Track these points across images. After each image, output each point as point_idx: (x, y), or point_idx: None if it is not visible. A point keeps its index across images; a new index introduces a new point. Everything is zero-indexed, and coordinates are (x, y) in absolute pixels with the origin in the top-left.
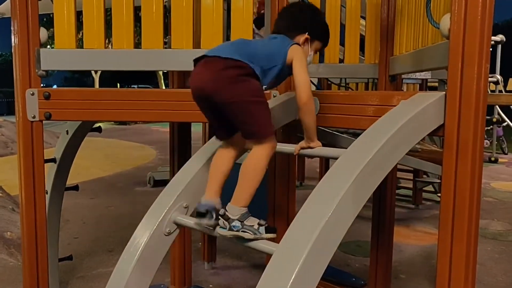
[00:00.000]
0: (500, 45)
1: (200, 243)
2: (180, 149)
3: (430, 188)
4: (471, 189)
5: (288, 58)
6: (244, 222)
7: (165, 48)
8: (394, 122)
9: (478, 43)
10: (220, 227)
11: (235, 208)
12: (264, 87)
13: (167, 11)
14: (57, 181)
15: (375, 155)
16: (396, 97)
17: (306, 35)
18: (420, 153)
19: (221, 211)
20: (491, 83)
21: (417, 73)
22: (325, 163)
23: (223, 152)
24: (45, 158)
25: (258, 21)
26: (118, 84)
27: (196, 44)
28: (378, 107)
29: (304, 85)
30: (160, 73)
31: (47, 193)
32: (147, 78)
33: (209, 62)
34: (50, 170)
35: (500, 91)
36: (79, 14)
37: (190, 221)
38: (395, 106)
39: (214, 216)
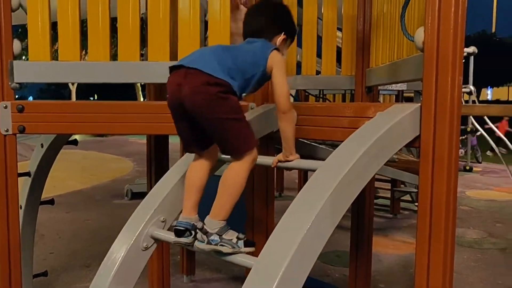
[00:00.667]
0: (472, 57)
1: (178, 256)
2: (157, 161)
3: (407, 197)
4: (447, 198)
5: (268, 66)
6: (223, 235)
7: (142, 60)
8: (371, 134)
9: (451, 55)
10: (198, 240)
11: (214, 222)
12: (244, 94)
13: (144, 23)
14: (32, 195)
15: (353, 167)
16: (372, 109)
17: (283, 36)
18: (397, 163)
19: (199, 225)
20: (465, 94)
21: (393, 85)
22: (304, 174)
23: (197, 166)
24: (19, 171)
25: None
26: (96, 96)
27: (173, 57)
28: (355, 118)
29: (285, 95)
30: (138, 84)
31: (21, 208)
32: (125, 89)
33: (190, 75)
34: (24, 184)
35: (474, 102)
36: (54, 25)
37: (168, 236)
38: (371, 117)
39: (193, 233)
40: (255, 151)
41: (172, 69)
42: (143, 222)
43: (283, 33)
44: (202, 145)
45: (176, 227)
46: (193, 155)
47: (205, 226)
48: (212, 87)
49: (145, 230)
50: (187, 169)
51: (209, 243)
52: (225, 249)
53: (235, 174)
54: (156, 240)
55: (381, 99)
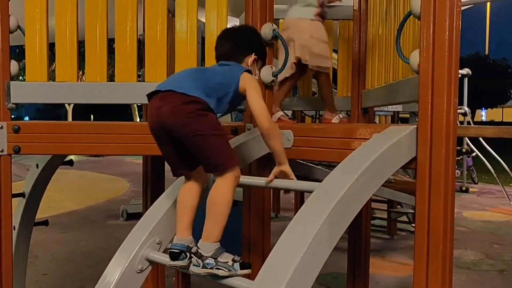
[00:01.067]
0: (466, 78)
1: (174, 278)
2: (153, 181)
3: (404, 218)
4: (444, 220)
5: (240, 87)
6: (218, 258)
7: (139, 81)
8: (368, 156)
9: (446, 77)
10: (193, 264)
11: (207, 244)
12: (218, 114)
13: (141, 44)
14: (26, 216)
15: (350, 188)
16: (369, 130)
17: (254, 56)
18: (393, 184)
19: (194, 249)
20: (460, 115)
21: (389, 106)
22: (301, 195)
23: (187, 188)
24: (14, 192)
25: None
26: (92, 116)
27: None
28: (351, 140)
29: (263, 113)
30: (135, 105)
31: (14, 229)
32: (122, 109)
33: (166, 97)
34: (18, 205)
35: (468, 123)
36: (52, 46)
37: (163, 258)
38: (368, 139)
39: (188, 255)
40: (237, 168)
41: (150, 96)
42: (138, 244)
43: (253, 53)
44: (189, 166)
45: (171, 250)
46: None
47: (199, 250)
48: (190, 105)
49: (140, 253)
50: (179, 192)
51: (204, 266)
52: (221, 272)
53: (220, 194)
54: (151, 262)
55: (377, 120)
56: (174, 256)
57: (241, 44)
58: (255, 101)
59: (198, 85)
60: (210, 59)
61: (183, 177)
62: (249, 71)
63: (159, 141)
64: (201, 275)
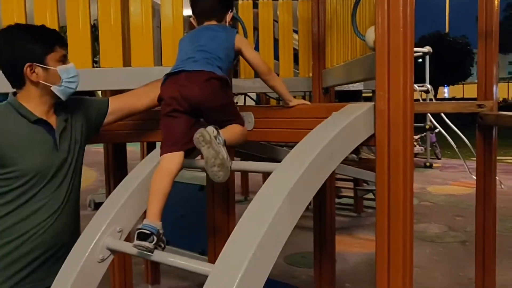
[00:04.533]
0: (428, 56)
1: (143, 265)
2: (115, 169)
3: (371, 195)
4: (404, 194)
5: (236, 47)
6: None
7: (96, 67)
8: (326, 134)
9: (402, 53)
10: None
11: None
12: None
13: (96, 29)
14: None
15: (309, 167)
16: (328, 109)
17: (231, 13)
18: (359, 162)
19: (162, 237)
20: (422, 92)
21: (351, 85)
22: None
23: (164, 172)
24: None
25: None
26: None
27: (126, 63)
28: (313, 119)
29: (261, 61)
30: (99, 92)
31: None
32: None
33: (192, 76)
34: None
35: (431, 100)
36: None
37: (125, 246)
38: (327, 118)
39: (156, 240)
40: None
41: (168, 75)
42: (98, 233)
43: (230, 10)
44: (186, 144)
45: (141, 230)
46: (152, 162)
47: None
48: (214, 80)
49: (100, 242)
50: (155, 173)
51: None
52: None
53: (236, 126)
54: (113, 251)
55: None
56: (143, 236)
57: (221, 2)
58: (253, 54)
59: (213, 61)
60: (167, 45)
61: (143, 165)
62: (237, 32)
63: (174, 113)
64: (209, 141)
